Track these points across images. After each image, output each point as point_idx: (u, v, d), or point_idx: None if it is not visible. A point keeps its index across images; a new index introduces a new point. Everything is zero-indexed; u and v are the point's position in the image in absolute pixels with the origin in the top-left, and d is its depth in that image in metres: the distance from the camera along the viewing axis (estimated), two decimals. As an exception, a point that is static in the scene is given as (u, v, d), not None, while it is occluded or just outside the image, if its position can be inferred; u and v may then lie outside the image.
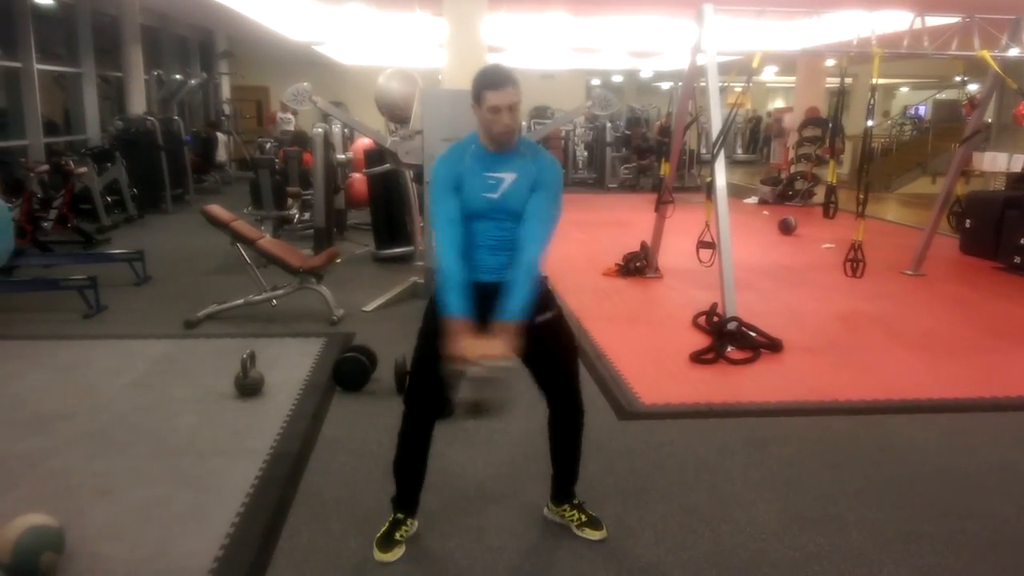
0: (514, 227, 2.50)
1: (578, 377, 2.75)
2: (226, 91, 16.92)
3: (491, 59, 10.28)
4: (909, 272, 7.46)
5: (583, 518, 2.79)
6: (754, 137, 23.59)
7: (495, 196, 2.47)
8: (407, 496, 2.72)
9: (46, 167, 8.41)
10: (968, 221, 8.40)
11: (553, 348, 2.65)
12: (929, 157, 16.92)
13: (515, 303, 2.41)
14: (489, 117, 2.42)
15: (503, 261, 2.51)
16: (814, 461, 3.46)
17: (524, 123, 16.31)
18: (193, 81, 14.01)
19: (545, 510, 2.89)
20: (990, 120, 12.95)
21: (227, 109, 16.15)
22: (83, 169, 8.63)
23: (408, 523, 2.71)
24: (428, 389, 2.62)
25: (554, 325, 2.64)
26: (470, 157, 2.50)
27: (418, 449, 2.67)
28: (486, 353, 2.35)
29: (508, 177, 2.47)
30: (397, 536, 2.67)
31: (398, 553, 2.65)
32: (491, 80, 2.42)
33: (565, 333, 2.73)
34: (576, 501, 2.82)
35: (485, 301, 2.44)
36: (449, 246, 2.44)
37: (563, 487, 2.82)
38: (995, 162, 10.19)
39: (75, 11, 10.83)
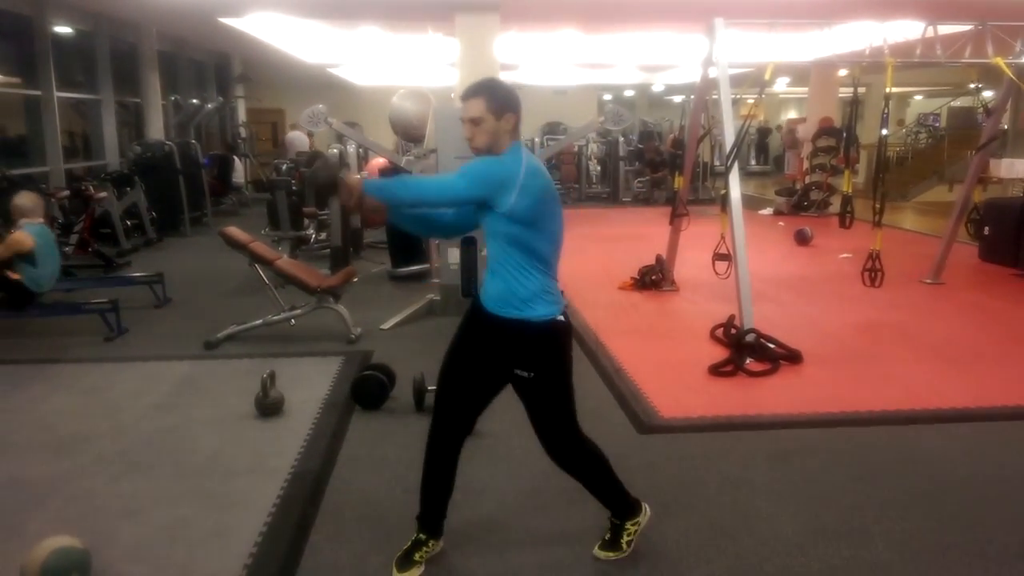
0: (496, 248, 2.45)
1: (561, 434, 2.61)
2: (242, 114, 17.11)
3: (504, 77, 10.35)
4: (928, 281, 7.40)
5: (606, 535, 2.77)
6: (762, 148, 23.54)
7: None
8: (431, 517, 2.69)
9: (67, 193, 8.53)
10: (987, 228, 8.33)
11: (528, 403, 2.56)
12: (945, 165, 16.80)
13: (375, 182, 2.50)
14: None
15: (496, 288, 2.48)
16: (838, 473, 3.43)
17: (536, 139, 16.38)
18: (210, 105, 14.16)
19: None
20: (1006, 127, 12.86)
21: (243, 132, 16.33)
22: (103, 194, 8.75)
23: (430, 544, 2.69)
24: (458, 404, 2.61)
25: (530, 385, 2.50)
26: None
27: (445, 469, 2.65)
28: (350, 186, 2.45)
29: None
30: (416, 557, 2.65)
31: (416, 573, 2.63)
32: (462, 93, 2.47)
33: (544, 396, 2.54)
34: (615, 520, 2.75)
35: (484, 327, 2.50)
36: (427, 204, 2.58)
37: (602, 503, 2.76)
38: (1013, 168, 10.11)
39: (94, 39, 11.02)
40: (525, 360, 2.48)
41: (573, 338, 2.61)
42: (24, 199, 5.67)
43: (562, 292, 2.61)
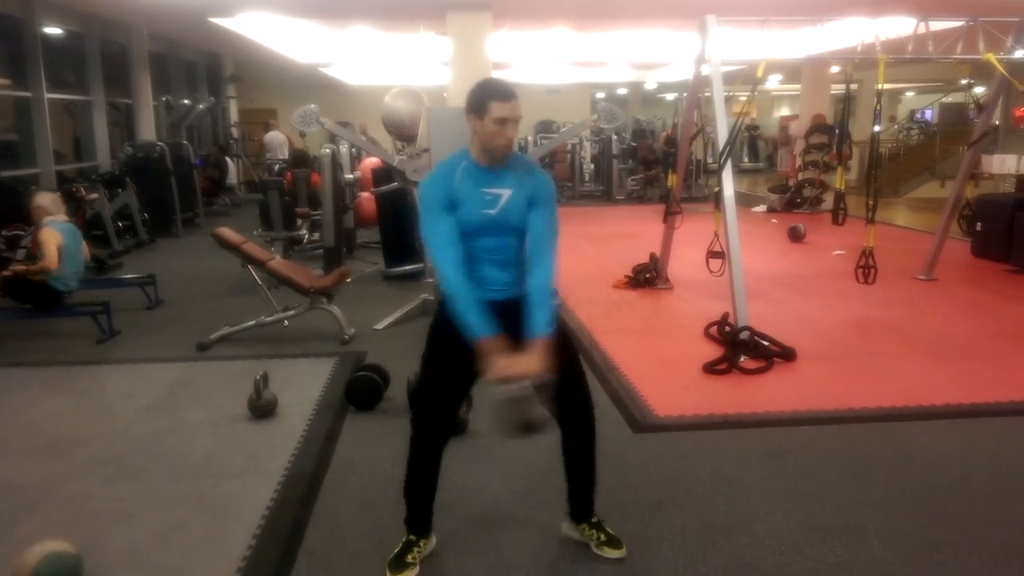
0: (516, 242, 2.51)
1: (588, 386, 2.75)
2: (234, 114, 17.06)
3: (496, 75, 10.32)
4: (921, 277, 7.42)
5: (603, 536, 2.75)
6: (752, 146, 23.59)
7: (493, 212, 2.46)
8: (419, 518, 2.69)
9: (57, 194, 8.47)
10: (979, 224, 8.36)
11: (565, 361, 2.63)
12: (937, 161, 16.85)
13: (542, 318, 2.43)
14: (493, 129, 2.40)
15: (512, 277, 2.53)
16: (833, 471, 3.43)
17: (530, 137, 16.39)
18: (201, 105, 14.13)
19: (564, 527, 2.86)
20: (998, 122, 12.90)
21: (235, 132, 16.28)
22: (94, 195, 8.72)
23: (421, 544, 2.69)
24: (437, 411, 2.61)
25: (562, 339, 2.64)
26: (462, 173, 2.47)
27: (428, 472, 2.65)
28: (524, 371, 2.34)
29: (505, 192, 2.47)
30: (409, 559, 2.64)
31: (410, 575, 2.62)
32: (498, 91, 2.41)
33: (572, 345, 2.74)
34: (595, 519, 2.79)
35: (500, 318, 2.44)
36: (452, 267, 2.41)
37: (582, 504, 2.79)
38: (1004, 164, 10.16)
39: (84, 40, 10.97)
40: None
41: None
42: (43, 198, 5.70)
43: (554, 291, 2.60)
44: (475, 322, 2.37)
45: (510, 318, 2.47)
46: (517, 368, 2.34)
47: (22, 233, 7.12)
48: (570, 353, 2.69)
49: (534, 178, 2.52)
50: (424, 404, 2.65)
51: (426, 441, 2.63)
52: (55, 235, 5.41)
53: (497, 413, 2.39)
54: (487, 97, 2.41)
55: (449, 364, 2.56)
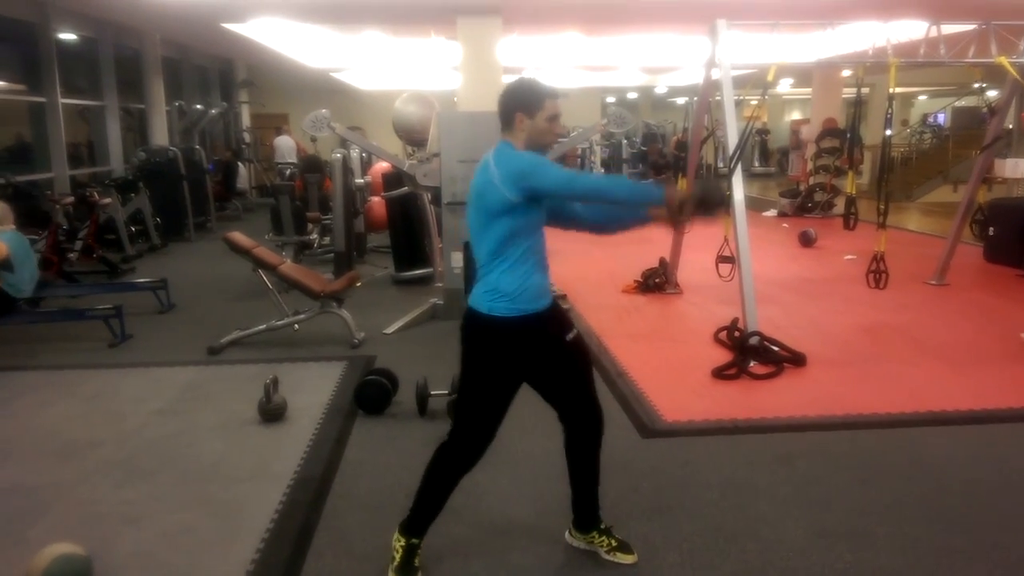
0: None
1: (595, 391, 2.75)
2: (246, 119, 17.16)
3: (506, 80, 10.35)
4: (933, 282, 7.38)
5: (613, 543, 2.74)
6: (764, 150, 23.55)
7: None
8: (424, 524, 2.65)
9: (71, 199, 8.57)
10: (991, 229, 8.30)
11: (584, 362, 2.68)
12: (950, 165, 16.75)
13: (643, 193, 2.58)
14: (546, 126, 2.46)
15: (548, 281, 2.58)
16: (842, 476, 3.41)
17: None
18: (214, 111, 14.22)
19: (568, 537, 2.84)
20: (1011, 126, 12.82)
21: (247, 137, 16.38)
22: (107, 200, 8.78)
23: (421, 546, 2.67)
24: (489, 427, 2.57)
25: (582, 340, 2.69)
26: None
27: (454, 484, 2.62)
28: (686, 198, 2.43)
29: None
30: (416, 562, 2.63)
31: None
32: (552, 89, 2.48)
33: (588, 348, 2.79)
34: (603, 526, 2.77)
35: (547, 324, 2.53)
36: (593, 177, 2.57)
37: (588, 512, 2.77)
38: (1017, 168, 10.07)
39: (98, 45, 11.07)
40: (569, 323, 2.66)
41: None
42: None
43: (564, 296, 2.64)
44: (646, 191, 2.57)
45: (550, 326, 2.55)
46: (684, 196, 2.43)
47: (35, 237, 7.18)
48: (589, 351, 2.77)
49: None
50: (477, 423, 2.58)
51: (474, 455, 2.59)
52: (1, 246, 5.41)
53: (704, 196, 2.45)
54: (544, 95, 2.46)
55: (507, 384, 2.55)
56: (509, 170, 2.38)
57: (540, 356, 2.55)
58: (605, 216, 2.71)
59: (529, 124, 2.45)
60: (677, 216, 2.42)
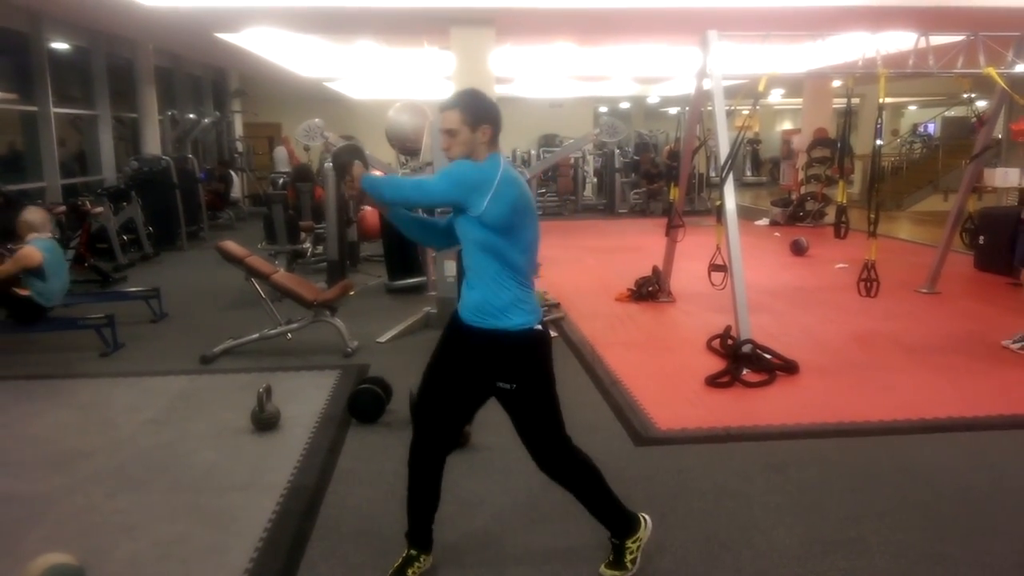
0: (472, 257, 2.48)
1: (549, 444, 2.61)
2: (239, 129, 17.15)
3: (499, 90, 10.41)
4: (924, 290, 7.42)
5: (609, 556, 2.73)
6: (755, 160, 23.68)
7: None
8: (419, 531, 2.67)
9: (63, 208, 8.54)
10: (982, 237, 8.37)
11: (514, 415, 2.58)
12: (940, 174, 16.87)
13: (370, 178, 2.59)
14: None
15: (472, 298, 2.50)
16: (835, 484, 3.43)
17: (532, 151, 16.47)
18: (206, 120, 14.20)
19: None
20: (999, 136, 12.92)
21: (240, 146, 16.37)
22: (100, 209, 8.76)
23: (422, 559, 2.67)
24: (439, 418, 2.61)
25: (513, 397, 2.52)
26: None
27: (429, 483, 2.63)
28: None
29: None
30: (409, 572, 2.64)
31: None
32: (440, 104, 2.54)
33: (528, 407, 2.55)
34: (614, 540, 2.72)
35: (464, 339, 2.52)
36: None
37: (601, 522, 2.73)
38: (1007, 178, 10.14)
39: (90, 55, 11.05)
40: (505, 372, 2.50)
41: (562, 348, 2.60)
42: (32, 214, 5.69)
43: (557, 304, 2.63)
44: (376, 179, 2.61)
45: (466, 342, 2.55)
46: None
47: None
48: (523, 410, 2.56)
49: None
50: (428, 410, 2.62)
51: (427, 453, 2.62)
52: (36, 253, 5.41)
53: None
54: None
55: (452, 375, 2.57)
56: (461, 167, 2.51)
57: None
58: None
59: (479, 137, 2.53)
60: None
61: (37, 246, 5.48)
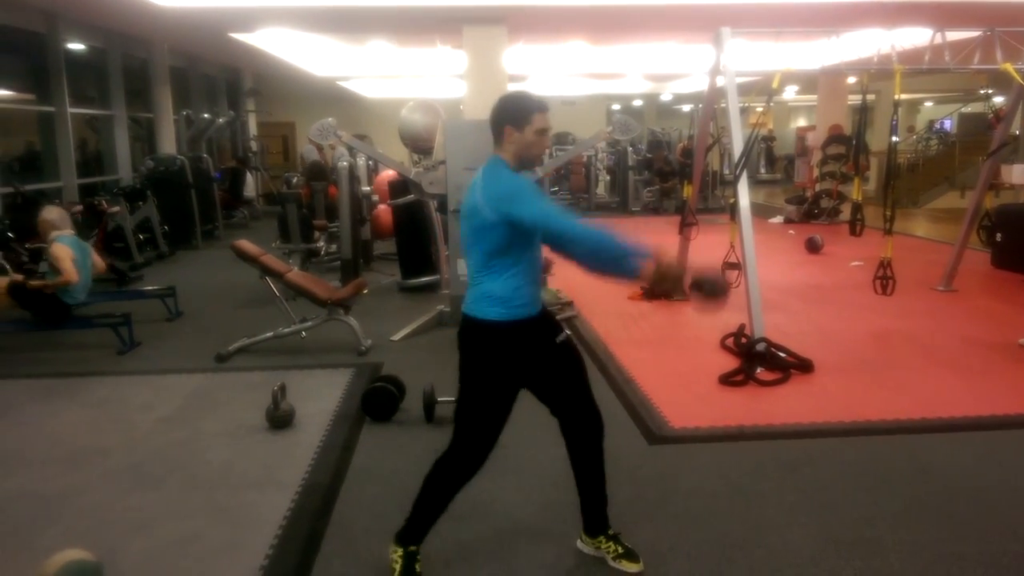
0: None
1: (593, 396, 2.74)
2: (253, 128, 17.24)
3: (512, 88, 10.39)
4: (940, 288, 7.36)
5: (619, 549, 2.74)
6: (769, 157, 23.54)
7: None
8: (422, 532, 2.65)
9: (80, 207, 8.61)
10: (999, 235, 8.28)
11: (575, 364, 2.68)
12: (957, 171, 16.71)
13: (617, 257, 2.33)
14: (534, 139, 2.46)
15: (539, 292, 2.60)
16: (850, 483, 3.41)
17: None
18: (221, 119, 14.27)
19: (579, 543, 2.84)
20: (1017, 132, 12.79)
21: (254, 145, 16.45)
22: (116, 208, 8.83)
23: (419, 552, 2.66)
24: (490, 437, 2.57)
25: (572, 343, 2.70)
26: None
27: (455, 494, 2.62)
28: (675, 273, 2.31)
29: None
30: (417, 568, 2.63)
31: None
32: (540, 102, 2.47)
33: (579, 355, 2.75)
34: (611, 532, 2.77)
35: (533, 332, 2.54)
36: (578, 224, 2.35)
37: (596, 515, 2.77)
38: (1024, 174, 10.03)
39: (106, 55, 11.14)
40: (557, 326, 2.64)
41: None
42: (51, 213, 5.74)
43: (571, 303, 2.65)
44: (632, 250, 2.29)
45: (541, 330, 2.57)
46: (673, 270, 2.30)
47: (45, 245, 7.21)
48: (579, 353, 2.73)
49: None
50: (484, 426, 2.56)
51: (477, 464, 2.58)
52: (66, 249, 5.47)
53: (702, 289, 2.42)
54: (533, 108, 2.45)
55: (505, 389, 2.55)
56: (492, 192, 2.39)
57: (534, 359, 2.57)
58: (588, 259, 2.44)
59: (518, 137, 2.45)
60: (659, 287, 2.41)
61: (63, 243, 5.52)
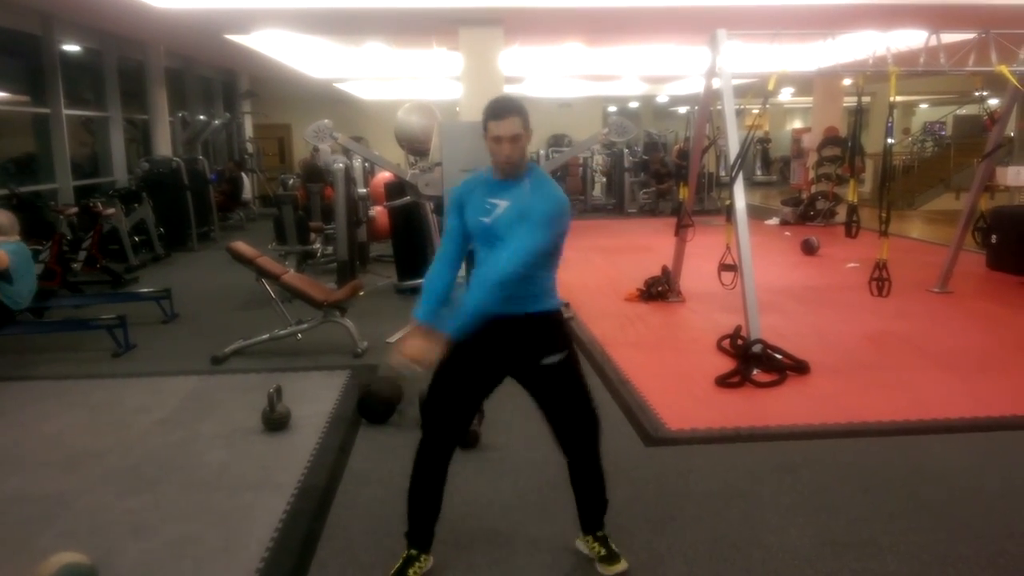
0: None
1: (591, 403, 2.70)
2: (249, 130, 17.21)
3: (508, 90, 10.41)
4: (936, 290, 7.38)
5: (602, 552, 2.73)
6: (765, 159, 23.59)
7: (487, 221, 2.51)
8: (420, 530, 2.67)
9: (75, 209, 8.59)
10: (994, 236, 8.28)
11: (561, 391, 2.64)
12: (952, 173, 16.77)
13: (451, 317, 2.47)
14: (491, 147, 2.49)
15: (510, 292, 2.49)
16: (846, 484, 3.41)
17: (541, 151, 16.44)
18: (217, 121, 14.26)
19: (577, 543, 2.85)
20: (1012, 134, 12.83)
21: (250, 147, 16.43)
22: (111, 210, 8.80)
23: (422, 560, 2.67)
24: (446, 418, 2.62)
25: (561, 368, 2.59)
26: (481, 184, 2.58)
27: (434, 481, 2.64)
28: (414, 355, 2.46)
29: (503, 204, 2.49)
30: (410, 573, 2.64)
31: None
32: (493, 111, 2.49)
33: (574, 374, 2.65)
34: (600, 533, 2.76)
35: (499, 332, 2.50)
36: (438, 257, 2.66)
37: (592, 516, 2.77)
38: (1019, 176, 10.07)
39: (101, 57, 11.12)
40: (549, 346, 2.59)
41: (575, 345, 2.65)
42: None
43: (566, 304, 2.64)
44: (422, 305, 2.62)
45: (505, 334, 2.52)
46: (411, 351, 2.46)
47: (39, 248, 7.20)
48: (571, 380, 2.65)
49: (536, 195, 2.48)
50: (434, 410, 2.64)
51: (434, 447, 2.62)
52: (3, 256, 5.36)
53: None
54: (485, 117, 2.49)
55: (461, 372, 2.58)
56: (557, 204, 2.49)
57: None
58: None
59: (487, 143, 2.51)
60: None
61: (4, 249, 5.43)
